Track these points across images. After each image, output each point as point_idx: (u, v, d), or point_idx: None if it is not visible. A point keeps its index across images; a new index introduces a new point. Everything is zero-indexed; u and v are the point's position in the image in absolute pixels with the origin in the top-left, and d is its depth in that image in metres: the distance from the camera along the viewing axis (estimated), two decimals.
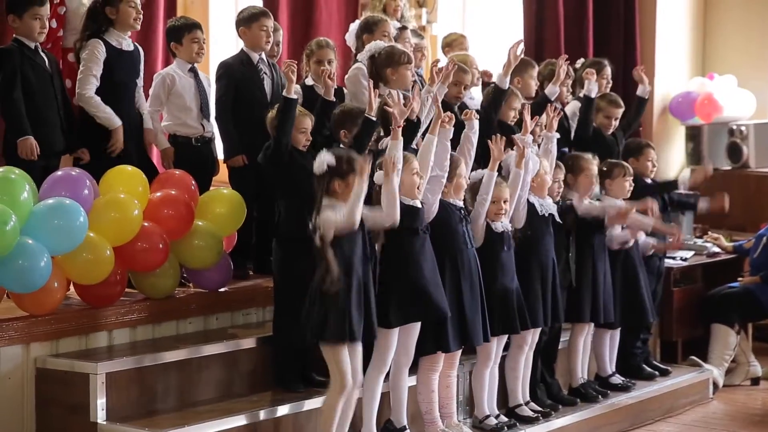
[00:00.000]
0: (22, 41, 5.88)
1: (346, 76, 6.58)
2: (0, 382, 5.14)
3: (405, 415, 5.75)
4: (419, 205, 5.57)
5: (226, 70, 6.45)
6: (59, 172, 5.59)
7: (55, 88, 5.95)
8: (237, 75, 6.40)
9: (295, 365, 5.72)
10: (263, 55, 6.50)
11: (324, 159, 5.22)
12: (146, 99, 6.37)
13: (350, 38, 6.87)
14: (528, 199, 6.29)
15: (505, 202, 6.05)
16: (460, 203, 5.86)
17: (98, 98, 6.05)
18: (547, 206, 6.43)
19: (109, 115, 6.06)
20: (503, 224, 6.09)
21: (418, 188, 5.53)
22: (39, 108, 5.85)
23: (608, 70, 7.87)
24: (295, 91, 5.71)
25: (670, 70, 9.72)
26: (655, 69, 9.58)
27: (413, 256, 5.53)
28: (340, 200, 5.23)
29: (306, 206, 5.32)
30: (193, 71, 6.37)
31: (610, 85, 7.88)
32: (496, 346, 6.16)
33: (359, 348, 5.34)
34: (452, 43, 7.99)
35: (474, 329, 5.80)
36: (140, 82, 6.32)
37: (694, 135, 9.74)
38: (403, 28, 7.04)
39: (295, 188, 5.58)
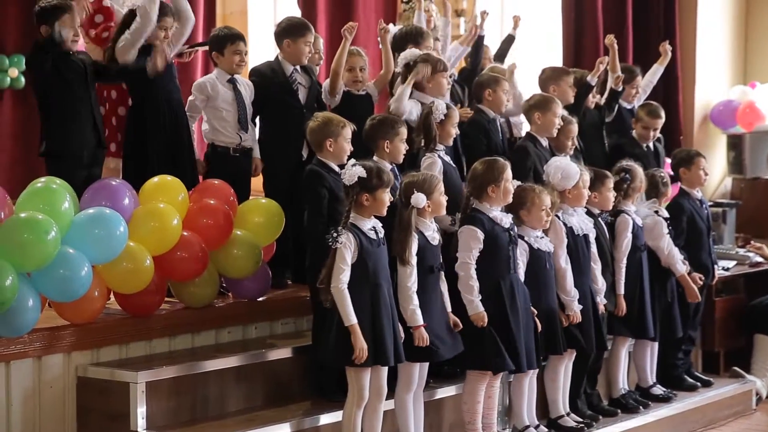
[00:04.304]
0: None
1: (396, 87, 6.57)
2: (42, 390, 5.18)
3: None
4: (436, 242, 5.56)
5: (257, 77, 6.48)
6: (100, 182, 5.64)
7: (89, 83, 6.00)
8: (269, 84, 6.42)
9: (333, 374, 5.71)
10: (297, 66, 6.51)
11: (355, 171, 5.23)
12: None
13: None
14: (565, 222, 6.25)
15: (547, 209, 5.99)
16: (508, 221, 5.78)
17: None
18: (586, 226, 6.37)
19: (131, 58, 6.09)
20: (545, 243, 6.06)
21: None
22: (75, 106, 5.92)
23: (639, 79, 7.88)
24: None
25: (711, 79, 9.66)
26: (695, 77, 9.54)
27: (424, 296, 5.47)
28: (366, 214, 5.25)
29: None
30: (232, 82, 6.39)
31: (638, 95, 7.87)
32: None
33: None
34: None
35: (518, 353, 5.75)
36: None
37: (735, 144, 9.67)
38: (435, 40, 7.05)
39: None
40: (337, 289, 5.15)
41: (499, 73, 6.98)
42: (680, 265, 7.04)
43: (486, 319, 5.63)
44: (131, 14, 6.11)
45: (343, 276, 5.15)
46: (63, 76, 5.90)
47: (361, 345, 5.15)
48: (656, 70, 8.12)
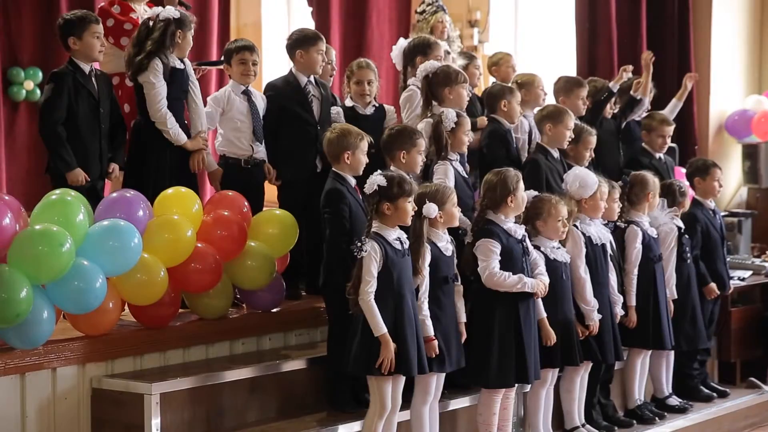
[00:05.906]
0: (77, 65, 5.97)
1: (401, 99, 6.57)
2: (56, 402, 5.19)
3: None
4: (449, 253, 5.56)
5: (272, 91, 6.49)
6: (114, 194, 5.65)
7: (101, 117, 6.02)
8: (284, 96, 6.44)
9: (347, 386, 5.71)
10: (311, 77, 6.52)
11: (375, 180, 5.24)
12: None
13: (397, 57, 6.87)
14: (583, 232, 6.22)
15: (563, 220, 5.98)
16: (521, 232, 5.77)
17: (171, 117, 6.07)
18: (603, 236, 6.34)
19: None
20: (561, 253, 6.04)
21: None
22: (83, 138, 5.95)
23: (650, 96, 7.87)
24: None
25: (726, 88, 9.63)
26: (710, 87, 9.51)
27: (437, 307, 5.48)
28: (390, 224, 5.25)
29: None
30: (247, 93, 6.41)
31: (648, 111, 7.88)
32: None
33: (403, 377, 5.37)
34: (499, 62, 8.00)
35: (524, 367, 5.74)
36: (198, 99, 6.34)
37: (750, 153, 9.64)
38: (446, 53, 7.05)
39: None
40: (365, 301, 5.16)
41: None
42: (671, 290, 6.95)
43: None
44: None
45: (369, 288, 5.16)
46: (76, 107, 5.92)
47: (390, 355, 5.15)
48: (675, 106, 8.16)
